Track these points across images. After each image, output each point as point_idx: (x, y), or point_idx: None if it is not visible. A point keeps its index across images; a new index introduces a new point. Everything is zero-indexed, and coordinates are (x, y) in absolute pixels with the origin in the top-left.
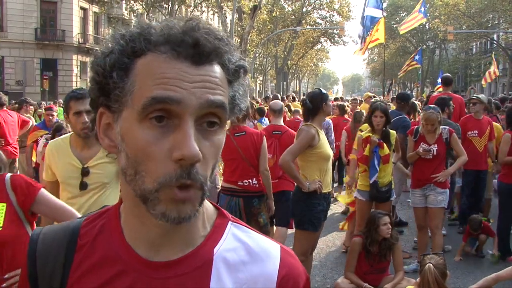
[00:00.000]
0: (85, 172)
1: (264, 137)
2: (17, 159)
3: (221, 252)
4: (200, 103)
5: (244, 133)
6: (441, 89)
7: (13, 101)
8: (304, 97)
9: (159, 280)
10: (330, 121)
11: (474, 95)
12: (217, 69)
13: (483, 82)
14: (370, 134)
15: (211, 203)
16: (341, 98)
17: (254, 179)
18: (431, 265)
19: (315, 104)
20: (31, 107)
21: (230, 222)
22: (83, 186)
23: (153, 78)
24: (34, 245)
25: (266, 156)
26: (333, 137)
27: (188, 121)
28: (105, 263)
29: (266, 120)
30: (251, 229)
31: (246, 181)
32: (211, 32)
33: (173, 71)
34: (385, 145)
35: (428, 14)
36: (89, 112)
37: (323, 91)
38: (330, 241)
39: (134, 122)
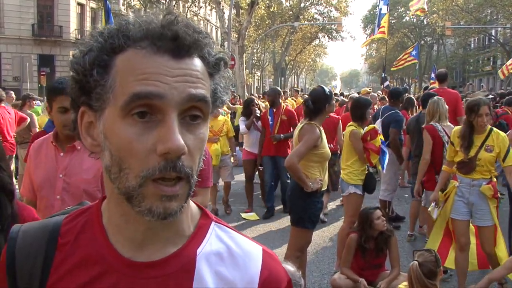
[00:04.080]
0: None
1: (340, 120)
2: (13, 155)
3: (204, 253)
4: (182, 98)
5: (328, 116)
6: (436, 85)
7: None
8: (307, 96)
9: (142, 281)
10: None
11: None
12: (197, 62)
13: (501, 75)
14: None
15: (194, 203)
16: (341, 93)
17: (331, 144)
18: (415, 263)
19: (317, 105)
20: (34, 102)
21: (213, 223)
22: None
23: (133, 74)
24: (13, 243)
25: (341, 131)
26: None
27: (172, 115)
28: (88, 263)
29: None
30: (234, 230)
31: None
32: (189, 25)
33: (153, 66)
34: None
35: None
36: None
37: (327, 90)
38: (327, 237)
39: (117, 119)
